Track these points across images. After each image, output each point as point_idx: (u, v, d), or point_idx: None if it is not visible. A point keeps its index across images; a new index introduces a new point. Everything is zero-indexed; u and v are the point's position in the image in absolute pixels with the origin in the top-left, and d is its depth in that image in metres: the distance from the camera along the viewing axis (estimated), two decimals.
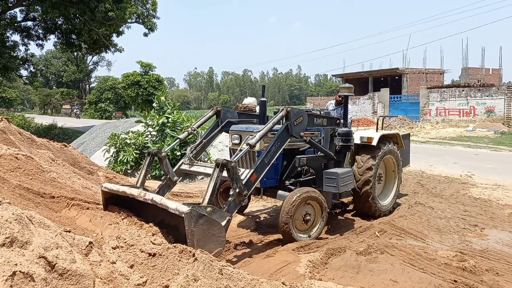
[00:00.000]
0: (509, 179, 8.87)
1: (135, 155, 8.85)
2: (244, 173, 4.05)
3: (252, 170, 4.08)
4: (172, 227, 3.59)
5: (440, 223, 5.60)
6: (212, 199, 3.65)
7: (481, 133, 20.70)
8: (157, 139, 9.14)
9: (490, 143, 16.39)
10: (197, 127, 5.20)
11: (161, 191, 4.55)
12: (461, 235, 5.11)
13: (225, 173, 3.81)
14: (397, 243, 4.62)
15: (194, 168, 4.79)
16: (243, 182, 3.92)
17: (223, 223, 3.53)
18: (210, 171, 4.53)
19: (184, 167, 4.86)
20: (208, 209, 3.45)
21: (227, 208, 3.74)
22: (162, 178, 4.80)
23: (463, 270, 3.83)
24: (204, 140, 5.09)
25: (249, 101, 20.81)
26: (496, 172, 9.84)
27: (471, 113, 25.65)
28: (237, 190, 3.86)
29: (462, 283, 3.51)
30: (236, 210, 3.95)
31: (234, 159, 3.94)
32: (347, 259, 4.05)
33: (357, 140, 5.71)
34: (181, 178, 5.04)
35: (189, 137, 5.24)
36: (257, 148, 4.50)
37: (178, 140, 5.12)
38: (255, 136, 4.19)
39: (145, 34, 23.21)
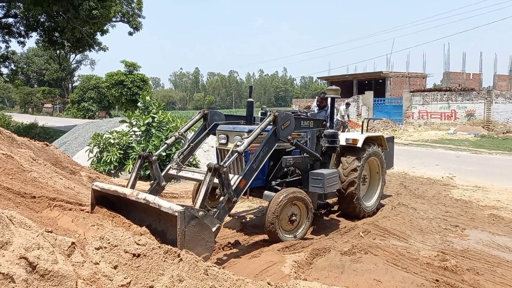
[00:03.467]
0: (489, 181, 9.09)
1: (118, 155, 8.73)
2: (233, 179, 4.03)
3: (241, 177, 4.07)
4: (159, 232, 3.54)
5: (423, 224, 5.69)
6: (204, 203, 3.64)
7: (461, 136, 21.16)
8: (142, 139, 9.03)
9: (471, 146, 16.76)
10: (184, 131, 5.14)
11: None
12: (443, 236, 5.20)
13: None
14: (381, 243, 4.68)
15: (182, 173, 4.74)
16: (233, 188, 3.91)
17: (213, 229, 3.53)
18: (198, 176, 4.53)
19: (172, 172, 4.80)
20: (200, 213, 3.45)
21: (217, 215, 3.73)
22: (150, 183, 4.73)
23: (444, 269, 3.90)
24: (191, 144, 5.04)
25: None
26: (476, 174, 10.07)
27: (452, 116, 26.19)
28: (227, 196, 3.85)
29: (443, 283, 3.58)
30: (225, 217, 3.95)
31: (226, 164, 3.91)
32: (331, 259, 4.08)
33: (342, 142, 5.76)
34: (168, 183, 4.96)
35: (176, 141, 5.17)
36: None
37: (166, 145, 5.03)
38: (243, 142, 4.19)
39: (130, 33, 22.94)
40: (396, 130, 25.49)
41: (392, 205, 6.68)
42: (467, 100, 25.41)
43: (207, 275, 2.59)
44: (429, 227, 5.54)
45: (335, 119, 15.53)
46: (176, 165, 4.79)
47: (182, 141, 5.07)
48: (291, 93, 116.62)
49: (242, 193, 4.16)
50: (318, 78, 52.58)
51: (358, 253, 4.28)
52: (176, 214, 3.17)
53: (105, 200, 4.01)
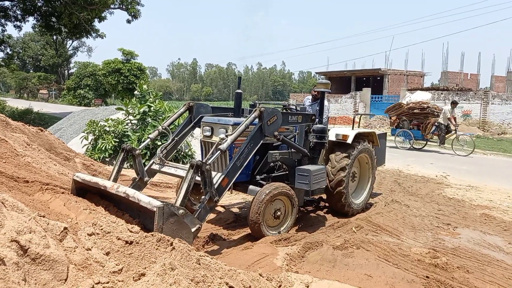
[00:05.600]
0: (482, 180, 9.15)
1: (113, 143, 8.69)
2: (216, 177, 3.90)
3: (223, 175, 3.93)
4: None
5: (415, 221, 5.73)
6: (185, 201, 3.53)
7: None
8: (138, 127, 8.99)
9: (465, 146, 16.82)
10: (168, 125, 4.96)
11: None
12: (435, 233, 5.24)
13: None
14: (373, 239, 4.71)
15: (165, 169, 4.59)
16: (215, 187, 3.79)
17: (193, 230, 3.42)
18: (180, 172, 4.38)
19: (154, 167, 4.67)
20: (181, 211, 3.32)
21: (197, 214, 3.62)
22: (132, 178, 4.61)
23: (435, 266, 3.93)
24: (176, 138, 4.87)
25: (423, 97, 15.18)
26: (470, 173, 10.14)
27: None
28: (208, 196, 3.74)
29: (433, 279, 3.61)
30: (206, 218, 3.83)
31: (209, 161, 3.78)
32: (323, 253, 4.10)
33: (332, 137, 5.66)
34: (151, 178, 4.80)
35: (160, 136, 5.00)
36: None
37: (148, 139, 4.89)
38: (226, 140, 4.05)
39: (128, 21, 22.73)
40: None
41: (386, 202, 6.71)
42: (464, 100, 25.50)
43: (199, 264, 2.59)
44: (421, 225, 5.58)
45: (443, 120, 13.56)
46: (159, 160, 4.65)
47: (166, 136, 4.90)
48: (289, 87, 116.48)
49: (225, 192, 4.04)
50: (317, 73, 52.48)
51: (350, 248, 4.30)
52: (155, 209, 3.09)
53: (87, 193, 3.94)
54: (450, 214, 6.22)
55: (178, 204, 3.46)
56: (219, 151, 3.95)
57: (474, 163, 12.14)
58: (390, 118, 16.82)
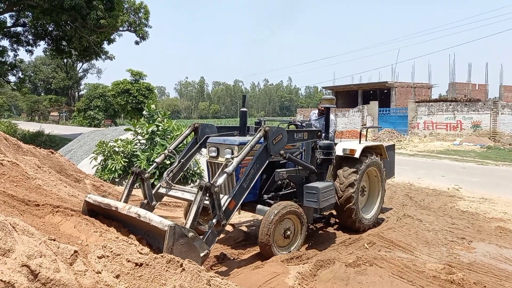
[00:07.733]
0: (496, 192, 8.98)
1: (123, 163, 8.75)
2: (223, 200, 3.88)
3: (230, 197, 3.91)
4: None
5: (428, 236, 5.62)
6: (194, 224, 3.52)
7: (467, 147, 21.01)
8: (147, 147, 9.05)
9: (477, 157, 16.62)
10: (174, 148, 4.90)
11: None
12: (449, 248, 5.13)
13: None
14: (386, 255, 4.62)
15: (171, 193, 4.56)
16: (222, 209, 3.76)
17: (201, 254, 3.38)
18: (187, 196, 4.37)
19: (161, 190, 4.65)
20: (190, 234, 3.30)
21: (206, 239, 3.57)
22: (140, 203, 4.59)
23: (451, 282, 3.83)
24: (182, 160, 4.84)
25: None
26: (482, 185, 9.96)
27: (458, 127, 26.05)
28: (216, 219, 3.69)
29: None
30: (214, 243, 3.77)
31: (218, 183, 3.76)
32: (336, 271, 4.02)
33: (339, 152, 5.63)
34: (159, 201, 4.75)
35: (166, 160, 4.97)
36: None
37: (155, 164, 4.84)
38: (232, 162, 4.03)
39: (137, 43, 23.23)
40: (401, 141, 25.39)
41: (398, 217, 6.61)
42: (473, 111, 25.29)
43: (210, 285, 2.56)
44: (435, 239, 5.47)
45: None
46: (165, 184, 4.61)
47: (173, 158, 4.88)
48: (295, 103, 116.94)
49: (233, 215, 4.00)
50: (323, 87, 52.57)
51: (363, 265, 4.22)
52: (166, 228, 3.09)
53: (98, 214, 3.97)
54: (464, 227, 6.09)
55: (188, 226, 3.44)
56: (225, 174, 3.91)
57: (486, 174, 11.95)
58: None
